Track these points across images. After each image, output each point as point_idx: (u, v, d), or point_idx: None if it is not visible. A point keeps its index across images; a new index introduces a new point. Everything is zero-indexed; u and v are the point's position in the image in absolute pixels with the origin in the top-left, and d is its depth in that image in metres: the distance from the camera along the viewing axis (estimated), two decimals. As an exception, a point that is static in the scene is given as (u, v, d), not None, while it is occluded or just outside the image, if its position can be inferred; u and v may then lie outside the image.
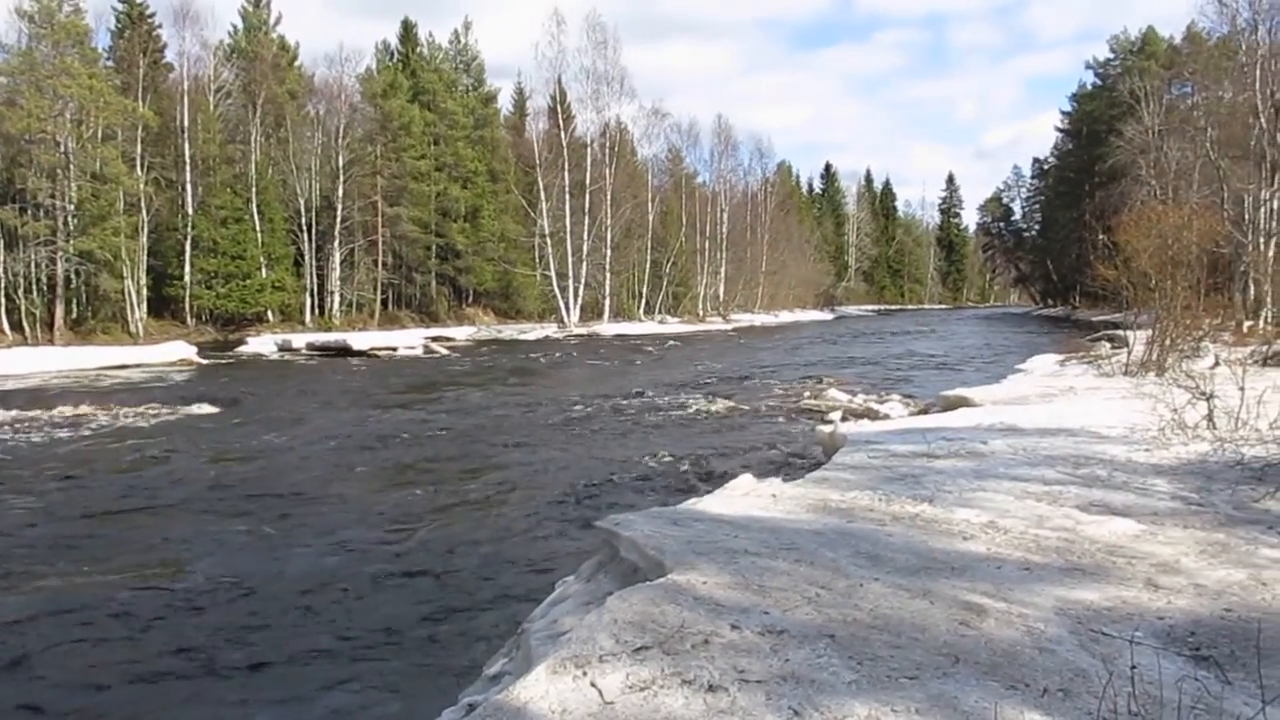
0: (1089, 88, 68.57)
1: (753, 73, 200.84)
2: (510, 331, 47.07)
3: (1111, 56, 66.01)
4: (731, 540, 4.45)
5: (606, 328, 49.21)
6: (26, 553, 7.84)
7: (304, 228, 46.28)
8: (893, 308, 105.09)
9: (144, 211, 38.60)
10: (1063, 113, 73.57)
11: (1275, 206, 29.24)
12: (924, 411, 13.36)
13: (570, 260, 51.47)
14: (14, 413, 16.27)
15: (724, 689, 2.74)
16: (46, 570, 7.34)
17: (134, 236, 37.83)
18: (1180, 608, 3.65)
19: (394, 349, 33.23)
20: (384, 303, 50.36)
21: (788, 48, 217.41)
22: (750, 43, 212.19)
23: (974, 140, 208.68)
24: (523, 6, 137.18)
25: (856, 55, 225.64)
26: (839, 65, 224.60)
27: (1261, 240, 28.97)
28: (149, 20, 43.62)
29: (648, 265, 60.03)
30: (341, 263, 47.67)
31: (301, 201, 46.38)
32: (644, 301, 60.58)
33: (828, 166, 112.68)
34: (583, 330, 48.06)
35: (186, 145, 41.65)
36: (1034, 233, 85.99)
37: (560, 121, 52.94)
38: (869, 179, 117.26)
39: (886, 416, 13.34)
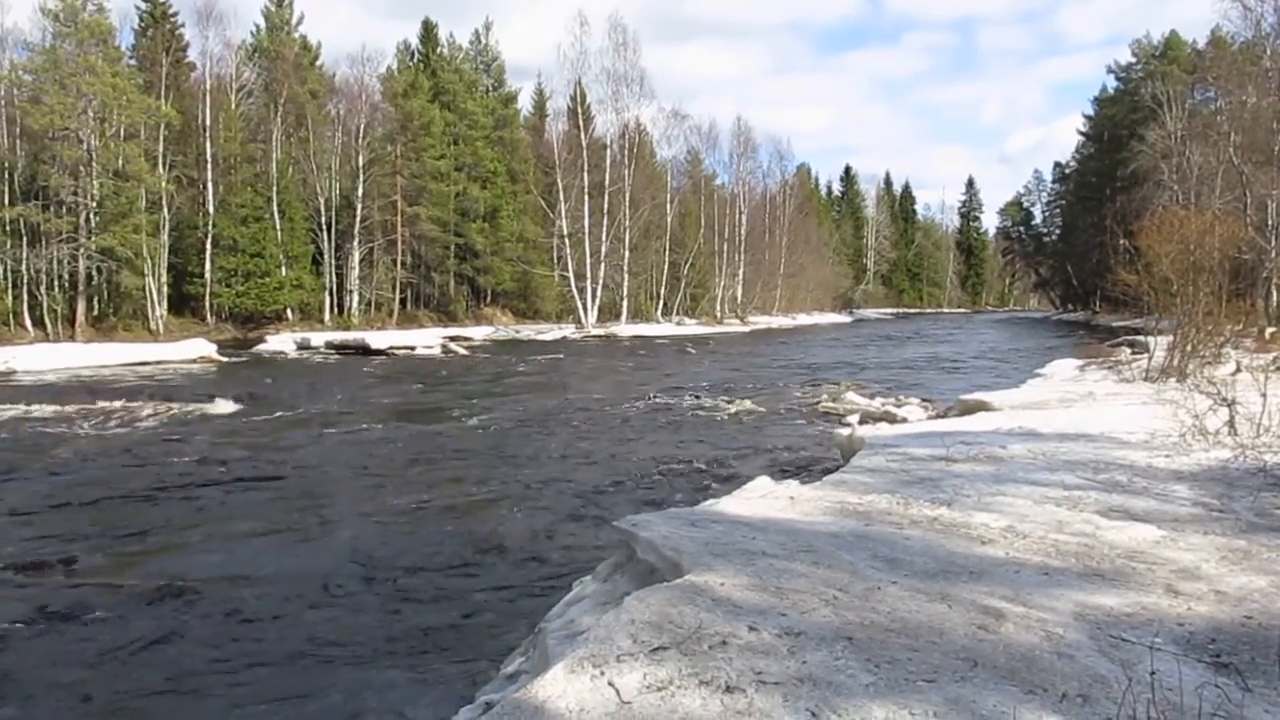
0: (1111, 92, 68.16)
1: (780, 75, 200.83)
2: (528, 332, 47.19)
3: (1133, 60, 65.58)
4: (749, 542, 4.44)
5: (624, 329, 49.27)
6: (41, 545, 7.91)
7: (324, 226, 46.58)
8: (911, 311, 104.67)
9: (165, 209, 39.02)
10: (1085, 116, 73.20)
11: (1298, 212, 29.05)
12: (942, 415, 13.29)
13: (588, 261, 51.54)
14: (35, 408, 16.42)
15: (741, 690, 2.75)
16: (63, 561, 7.41)
17: (155, 234, 38.24)
18: (1201, 614, 3.62)
19: (412, 348, 33.38)
20: (402, 302, 50.60)
21: (816, 50, 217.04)
22: (779, 45, 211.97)
23: (998, 144, 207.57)
24: (543, 9, 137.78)
25: (884, 58, 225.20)
26: (866, 68, 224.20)
27: (1285, 246, 28.77)
28: (172, 19, 44.08)
29: (666, 267, 60.04)
30: (360, 262, 47.94)
31: (321, 200, 46.70)
32: (662, 303, 60.60)
33: (847, 169, 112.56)
34: (600, 331, 48.12)
35: (208, 144, 42.01)
36: (1054, 237, 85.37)
37: (580, 122, 53.06)
38: (888, 182, 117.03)
39: (905, 420, 13.27)
